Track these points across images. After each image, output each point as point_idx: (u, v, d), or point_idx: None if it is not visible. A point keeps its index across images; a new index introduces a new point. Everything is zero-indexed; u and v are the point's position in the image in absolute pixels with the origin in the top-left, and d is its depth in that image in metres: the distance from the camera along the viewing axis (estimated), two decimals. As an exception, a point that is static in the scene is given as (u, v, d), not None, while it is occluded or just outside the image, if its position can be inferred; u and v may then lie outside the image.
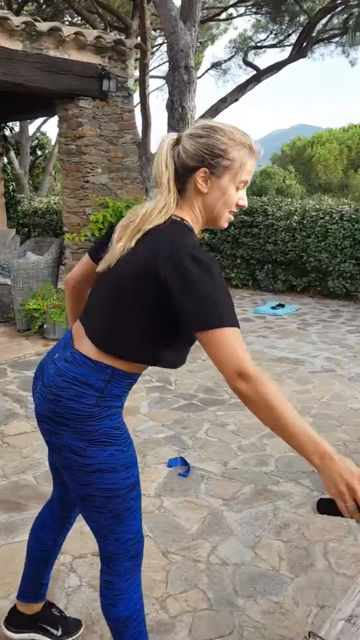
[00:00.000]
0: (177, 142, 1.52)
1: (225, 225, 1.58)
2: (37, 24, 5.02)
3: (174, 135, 1.54)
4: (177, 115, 12.17)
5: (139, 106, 15.38)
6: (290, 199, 9.42)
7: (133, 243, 1.45)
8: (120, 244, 1.48)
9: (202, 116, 15.26)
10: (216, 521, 2.82)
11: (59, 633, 2.04)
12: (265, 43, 18.16)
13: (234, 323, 1.33)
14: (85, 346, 1.54)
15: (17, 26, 4.84)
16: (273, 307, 7.76)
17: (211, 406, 4.34)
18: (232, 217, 1.58)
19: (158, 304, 1.42)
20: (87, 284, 1.76)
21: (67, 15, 17.93)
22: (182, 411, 4.25)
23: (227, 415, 4.16)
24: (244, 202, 1.55)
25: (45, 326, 5.91)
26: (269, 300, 8.31)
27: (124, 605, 1.67)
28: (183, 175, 1.50)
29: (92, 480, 1.53)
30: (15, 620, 2.04)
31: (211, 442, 3.72)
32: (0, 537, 2.66)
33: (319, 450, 1.23)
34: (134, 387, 4.41)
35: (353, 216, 7.92)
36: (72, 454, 1.51)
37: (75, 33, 5.34)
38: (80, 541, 2.64)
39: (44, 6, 17.43)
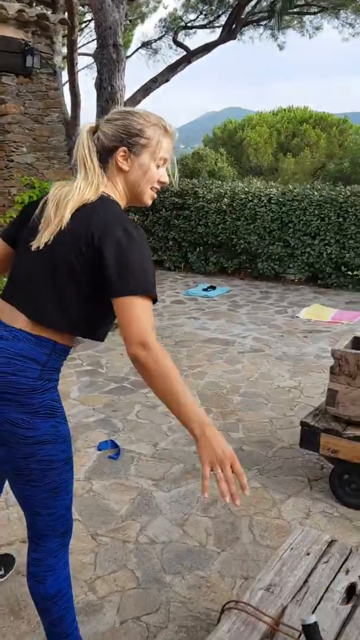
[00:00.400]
0: (96, 129, 1.60)
1: (149, 202, 1.67)
2: None
3: (92, 123, 1.59)
4: (106, 95, 11.92)
5: (67, 84, 15.00)
6: (220, 182, 9.49)
7: (68, 217, 1.49)
8: (56, 220, 1.50)
9: (133, 96, 15.06)
10: (145, 501, 2.85)
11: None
12: (196, 23, 18.06)
13: (154, 295, 1.43)
14: (21, 322, 1.54)
15: None
16: (204, 289, 7.84)
17: (142, 388, 4.36)
18: (155, 195, 1.66)
19: (95, 275, 1.47)
20: (1, 267, 1.75)
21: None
22: (113, 394, 4.25)
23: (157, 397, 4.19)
24: (165, 179, 1.63)
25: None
26: (200, 283, 8.39)
27: (52, 581, 1.69)
28: (104, 157, 1.58)
29: (33, 452, 1.54)
30: None
31: (142, 424, 3.75)
32: None
33: (200, 419, 1.35)
34: (64, 371, 4.37)
35: (280, 199, 8.09)
36: (15, 426, 1.51)
37: (-4, 5, 5.12)
38: (7, 529, 2.61)
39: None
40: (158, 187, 1.64)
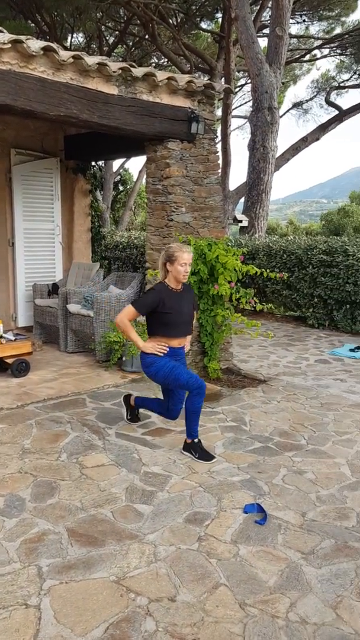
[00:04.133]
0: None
1: (184, 281, 4.11)
2: (132, 69, 5.25)
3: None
4: (258, 155, 12.33)
5: (219, 145, 15.69)
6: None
7: None
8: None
9: (283, 155, 15.36)
10: (295, 576, 2.73)
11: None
12: (348, 83, 18.17)
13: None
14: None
15: (114, 72, 5.08)
16: (351, 350, 7.56)
17: (287, 451, 4.25)
18: (185, 279, 4.08)
19: None
20: None
21: (154, 57, 18.69)
22: (258, 454, 4.18)
23: (304, 462, 4.06)
24: (186, 272, 4.06)
25: (124, 358, 6.02)
26: (346, 342, 8.12)
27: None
28: (165, 264, 4.10)
29: None
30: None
31: (288, 489, 3.63)
32: (78, 573, 2.69)
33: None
34: (207, 425, 4.60)
35: None
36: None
37: (168, 78, 5.54)
38: (156, 584, 2.62)
39: (133, 49, 18.25)
40: (183, 277, 4.05)
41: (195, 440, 4.10)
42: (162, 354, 4.01)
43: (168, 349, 4.05)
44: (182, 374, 3.95)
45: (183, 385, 3.97)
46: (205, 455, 4.05)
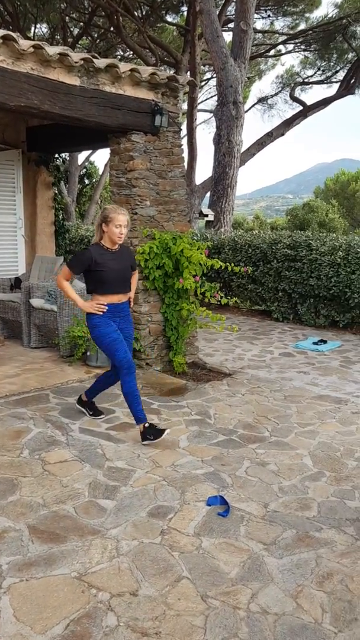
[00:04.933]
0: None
1: (118, 242, 4.18)
2: (95, 60, 5.19)
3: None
4: (223, 149, 12.34)
5: (185, 138, 15.65)
6: (334, 235, 9.35)
7: None
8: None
9: (248, 149, 15.42)
10: (256, 566, 2.75)
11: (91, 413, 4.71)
12: (312, 79, 18.34)
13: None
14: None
15: (76, 62, 5.01)
16: (314, 343, 7.66)
17: (251, 443, 4.28)
18: (119, 239, 4.16)
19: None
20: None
21: (119, 50, 18.52)
22: (222, 447, 4.20)
23: (267, 454, 4.09)
24: (121, 234, 4.14)
25: (88, 353, 5.97)
26: (310, 336, 8.22)
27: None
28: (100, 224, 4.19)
29: None
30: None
31: (251, 481, 3.66)
32: (38, 570, 2.66)
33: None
34: (172, 419, 4.57)
35: None
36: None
37: (131, 70, 5.49)
38: (118, 579, 2.61)
39: (98, 40, 18.05)
40: (118, 238, 4.15)
41: (146, 424, 4.18)
42: (102, 313, 4.14)
43: (107, 307, 4.17)
44: (119, 351, 4.13)
45: (116, 362, 4.16)
46: (158, 432, 4.17)
